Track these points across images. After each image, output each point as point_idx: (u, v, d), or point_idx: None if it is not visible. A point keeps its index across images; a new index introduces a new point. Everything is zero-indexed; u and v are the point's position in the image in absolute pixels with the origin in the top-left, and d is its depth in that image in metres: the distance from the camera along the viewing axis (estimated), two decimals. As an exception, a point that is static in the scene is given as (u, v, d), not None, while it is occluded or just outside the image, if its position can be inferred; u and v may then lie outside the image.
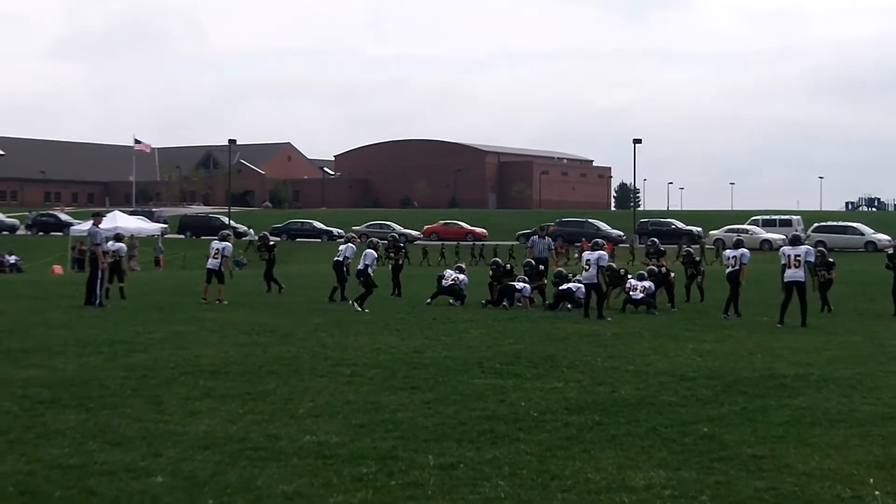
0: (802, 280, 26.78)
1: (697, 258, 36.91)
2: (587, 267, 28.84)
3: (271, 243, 39.14)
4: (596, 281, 28.53)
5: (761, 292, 34.00)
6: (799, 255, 26.93)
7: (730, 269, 29.80)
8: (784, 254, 27.39)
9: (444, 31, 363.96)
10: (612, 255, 38.50)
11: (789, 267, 26.89)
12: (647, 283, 31.19)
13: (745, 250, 30.15)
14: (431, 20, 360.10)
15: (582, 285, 30.57)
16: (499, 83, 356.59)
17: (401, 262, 37.84)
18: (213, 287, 32.52)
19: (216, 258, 32.93)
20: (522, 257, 40.38)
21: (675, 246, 62.87)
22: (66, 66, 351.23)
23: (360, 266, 31.19)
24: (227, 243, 33.44)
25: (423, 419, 13.31)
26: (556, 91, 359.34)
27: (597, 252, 28.99)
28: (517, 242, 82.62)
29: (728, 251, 31.02)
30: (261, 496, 9.66)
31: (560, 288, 31.67)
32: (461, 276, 33.59)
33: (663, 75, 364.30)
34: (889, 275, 30.70)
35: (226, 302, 31.77)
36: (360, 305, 29.93)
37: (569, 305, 31.09)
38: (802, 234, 79.80)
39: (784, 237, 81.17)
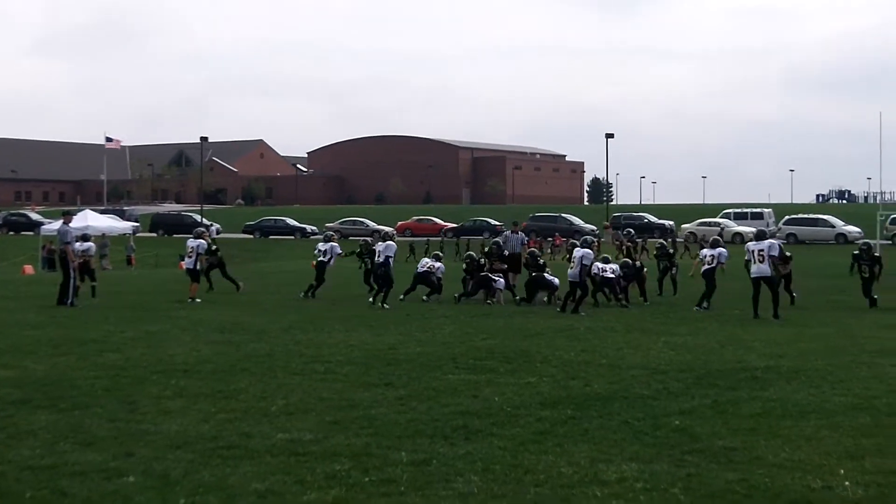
0: (769, 275, 27.08)
1: (671, 251, 36.99)
2: (573, 264, 28.83)
3: (213, 248, 38.60)
4: (579, 279, 28.50)
5: (733, 286, 34.13)
6: (763, 250, 27.13)
7: (706, 267, 29.89)
8: (748, 249, 27.65)
9: (424, 27, 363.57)
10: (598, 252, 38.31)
11: (754, 262, 27.19)
12: (613, 266, 31.16)
13: (724, 249, 30.31)
14: (410, 17, 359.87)
15: (553, 277, 30.85)
16: (480, 80, 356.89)
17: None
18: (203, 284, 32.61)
19: (191, 256, 32.82)
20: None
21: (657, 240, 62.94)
22: (42, 64, 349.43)
23: (381, 259, 30.88)
24: (201, 240, 33.30)
25: (397, 415, 13.32)
26: (537, 87, 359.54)
27: (583, 250, 28.99)
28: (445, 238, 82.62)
29: (705, 250, 31.11)
30: (233, 494, 9.65)
31: (532, 275, 31.69)
32: (437, 264, 33.51)
33: (643, 72, 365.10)
34: (858, 273, 31.38)
35: (199, 300, 31.69)
36: (383, 302, 29.90)
37: (544, 298, 31.17)
38: (773, 228, 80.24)
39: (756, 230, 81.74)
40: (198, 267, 32.88)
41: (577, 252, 28.99)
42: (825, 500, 9.50)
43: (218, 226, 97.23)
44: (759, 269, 27.04)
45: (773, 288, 26.92)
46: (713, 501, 9.45)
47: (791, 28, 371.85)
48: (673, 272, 34.80)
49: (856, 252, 32.29)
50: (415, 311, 28.41)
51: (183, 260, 34.83)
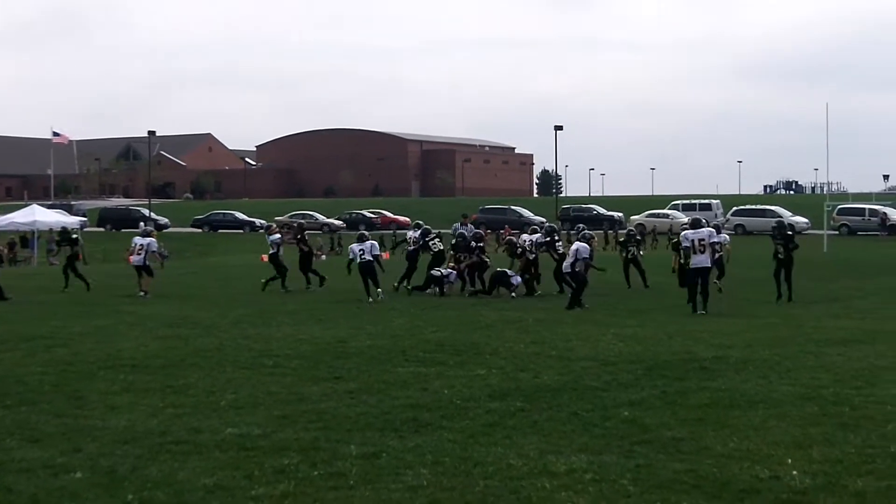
0: (709, 266, 26.09)
1: (639, 237, 36.81)
2: (569, 257, 28.60)
3: (74, 237, 38.05)
4: (571, 271, 28.25)
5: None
6: (703, 239, 26.02)
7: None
8: (686, 238, 26.49)
9: (371, 19, 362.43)
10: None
11: (694, 252, 25.99)
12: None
13: (726, 235, 29.85)
14: (360, 8, 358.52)
15: (517, 274, 31.04)
16: (428, 72, 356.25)
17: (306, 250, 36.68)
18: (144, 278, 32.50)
19: (140, 254, 32.79)
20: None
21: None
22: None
23: (368, 257, 30.75)
24: (150, 239, 33.41)
25: (346, 409, 13.30)
26: (485, 79, 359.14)
27: (579, 243, 28.60)
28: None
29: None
30: (182, 490, 9.60)
31: (497, 270, 31.77)
32: (415, 233, 33.88)
33: (591, 63, 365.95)
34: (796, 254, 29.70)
35: (148, 295, 31.61)
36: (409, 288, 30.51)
37: (503, 289, 31.20)
38: (721, 219, 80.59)
39: (705, 221, 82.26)
40: (148, 263, 32.87)
41: (574, 245, 28.68)
42: (773, 489, 9.55)
43: (166, 220, 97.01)
44: (700, 260, 25.81)
45: (705, 281, 25.93)
46: (662, 492, 9.48)
47: (738, 18, 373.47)
48: (639, 255, 34.72)
49: (774, 226, 30.98)
50: (365, 304, 28.41)
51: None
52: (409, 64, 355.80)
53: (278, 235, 35.38)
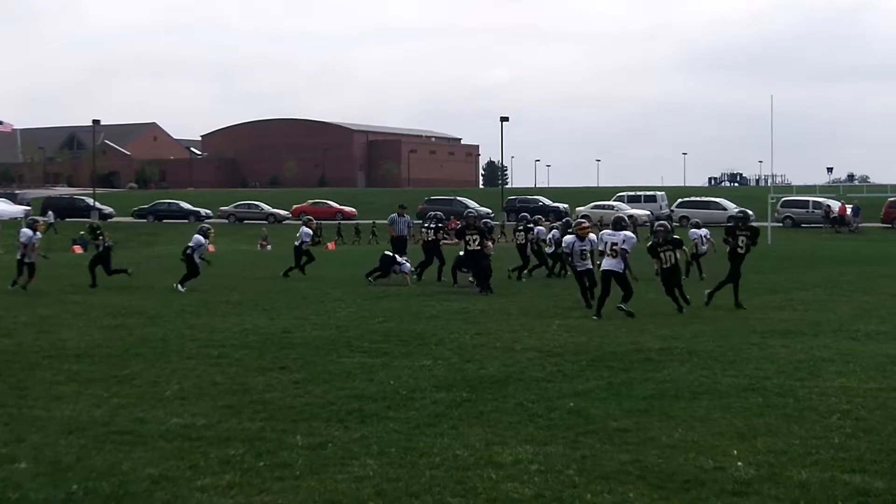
0: (620, 270, 23.40)
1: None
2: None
3: None
4: (590, 267, 25.87)
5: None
6: (616, 244, 23.43)
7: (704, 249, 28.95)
8: (602, 239, 24.17)
9: (319, 8, 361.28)
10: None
11: (607, 255, 23.62)
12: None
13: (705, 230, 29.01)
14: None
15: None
16: (375, 62, 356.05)
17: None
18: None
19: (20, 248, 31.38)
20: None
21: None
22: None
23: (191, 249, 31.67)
24: (24, 229, 31.77)
25: (292, 399, 13.27)
26: (432, 70, 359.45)
27: (570, 235, 27.23)
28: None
29: (695, 230, 30.36)
30: (126, 480, 9.54)
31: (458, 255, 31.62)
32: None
33: (537, 55, 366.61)
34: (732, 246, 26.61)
35: (14, 288, 30.29)
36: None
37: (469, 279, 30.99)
38: (666, 211, 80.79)
39: (650, 213, 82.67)
40: (26, 259, 30.96)
41: (567, 239, 26.76)
42: (718, 480, 9.59)
43: (111, 209, 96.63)
44: (612, 263, 23.39)
45: (607, 285, 23.60)
46: (607, 482, 9.51)
47: (684, 10, 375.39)
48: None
49: (729, 224, 28.42)
50: (310, 295, 28.36)
51: (77, 244, 34.04)
52: (355, 54, 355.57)
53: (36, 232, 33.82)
